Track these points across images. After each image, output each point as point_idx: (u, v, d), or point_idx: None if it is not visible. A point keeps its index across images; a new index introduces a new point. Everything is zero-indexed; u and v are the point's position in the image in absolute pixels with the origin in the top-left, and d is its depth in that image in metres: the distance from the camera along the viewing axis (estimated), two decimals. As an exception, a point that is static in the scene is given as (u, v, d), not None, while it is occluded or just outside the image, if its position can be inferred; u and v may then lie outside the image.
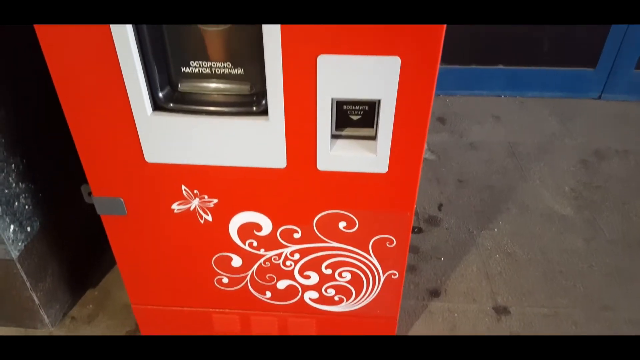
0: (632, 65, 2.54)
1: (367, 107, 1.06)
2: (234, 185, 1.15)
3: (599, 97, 2.70)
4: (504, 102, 2.74)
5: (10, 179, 1.28)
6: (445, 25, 0.90)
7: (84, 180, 1.17)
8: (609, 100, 2.69)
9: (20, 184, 1.31)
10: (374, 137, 1.08)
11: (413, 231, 1.89)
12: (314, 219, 1.20)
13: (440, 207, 2.04)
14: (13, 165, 1.28)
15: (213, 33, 1.02)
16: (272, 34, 0.92)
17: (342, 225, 1.20)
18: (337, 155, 1.08)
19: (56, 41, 0.94)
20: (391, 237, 1.22)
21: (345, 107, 1.07)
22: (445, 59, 0.95)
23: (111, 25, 0.91)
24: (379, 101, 1.00)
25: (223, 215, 1.21)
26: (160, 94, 1.04)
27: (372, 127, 1.08)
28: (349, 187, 1.13)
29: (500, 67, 2.68)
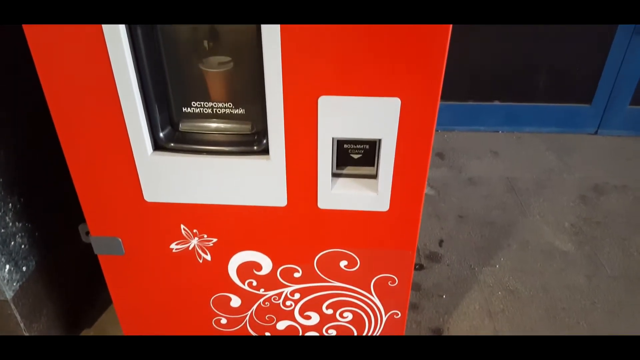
0: (626, 102, 2.58)
1: (367, 146, 1.07)
2: (234, 224, 1.14)
3: (596, 133, 2.73)
4: (502, 138, 2.76)
5: (7, 218, 1.26)
6: (444, 67, 0.91)
7: (81, 219, 1.16)
8: (606, 136, 2.72)
9: (17, 223, 1.30)
10: (374, 176, 1.08)
11: (414, 268, 1.87)
12: (314, 257, 1.18)
13: (441, 243, 2.03)
14: (10, 204, 1.27)
15: (215, 74, 1.04)
16: (273, 75, 0.93)
17: (343, 264, 1.19)
18: (338, 194, 1.08)
19: (58, 80, 0.95)
20: (393, 277, 1.20)
21: (345, 145, 1.07)
22: (443, 95, 0.96)
23: (113, 65, 0.92)
24: (380, 140, 1.01)
25: (222, 254, 1.19)
26: (161, 134, 1.04)
27: (373, 165, 1.08)
28: (350, 225, 1.12)
29: (497, 103, 2.72)
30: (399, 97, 0.94)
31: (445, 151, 2.64)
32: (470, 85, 2.65)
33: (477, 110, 2.74)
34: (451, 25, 0.86)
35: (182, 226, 1.15)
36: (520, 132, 2.78)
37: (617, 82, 2.52)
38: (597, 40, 2.44)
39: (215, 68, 1.03)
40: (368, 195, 1.07)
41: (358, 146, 1.07)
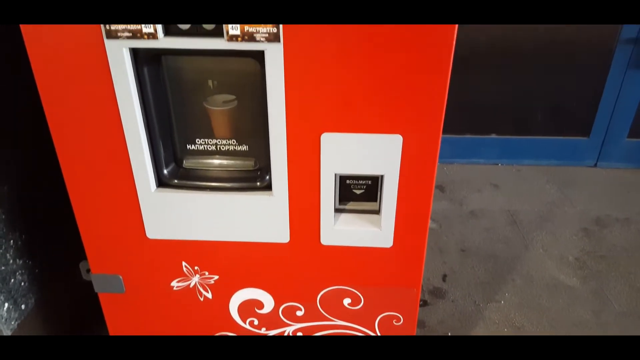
0: (624, 134, 2.60)
1: (370, 182, 1.07)
2: (236, 261, 1.13)
3: (595, 165, 2.74)
4: (501, 170, 2.77)
5: (8, 255, 1.25)
6: (445, 104, 0.93)
7: (81, 255, 1.15)
8: (605, 168, 2.73)
9: (17, 260, 1.29)
10: (377, 211, 1.07)
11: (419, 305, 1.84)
12: (317, 295, 1.17)
13: (444, 278, 2.00)
14: (12, 241, 1.26)
15: (219, 112, 1.05)
16: (277, 112, 0.94)
17: (346, 302, 1.17)
18: (341, 230, 1.07)
19: (64, 116, 0.97)
20: (398, 315, 1.18)
21: (348, 181, 1.08)
22: (441, 128, 0.97)
23: (119, 102, 0.93)
24: (382, 176, 1.01)
25: (224, 292, 1.17)
26: (165, 171, 1.05)
27: (376, 201, 1.08)
28: (354, 262, 1.11)
29: (494, 136, 2.74)
30: (401, 134, 0.95)
31: (445, 184, 2.65)
32: (467, 119, 2.68)
33: (476, 143, 2.76)
34: (451, 65, 0.88)
35: (184, 263, 1.14)
36: (520, 165, 2.79)
37: (614, 115, 2.55)
38: (592, 74, 2.49)
39: (220, 106, 1.04)
40: (371, 231, 1.06)
41: (360, 182, 1.07)
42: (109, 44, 0.87)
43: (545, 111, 2.64)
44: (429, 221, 1.07)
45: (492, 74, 2.55)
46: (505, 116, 2.68)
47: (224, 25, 0.85)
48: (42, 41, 0.88)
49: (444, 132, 0.95)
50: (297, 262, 1.12)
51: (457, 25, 0.85)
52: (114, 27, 0.85)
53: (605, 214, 2.38)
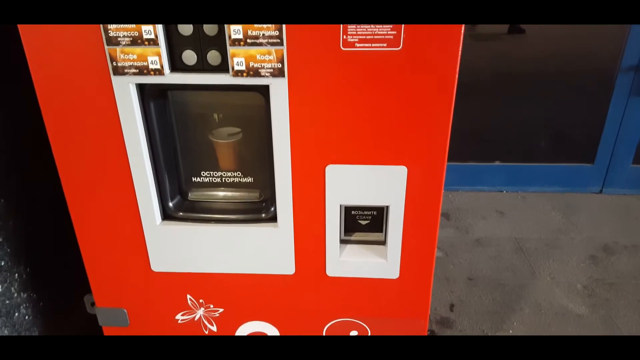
0: (629, 161, 2.60)
1: (375, 212, 1.07)
2: (241, 293, 1.12)
3: (600, 192, 2.73)
4: (506, 197, 2.76)
5: (12, 288, 1.25)
6: (449, 135, 0.93)
7: (86, 289, 1.14)
8: (611, 195, 2.72)
9: (22, 293, 1.28)
10: (383, 242, 1.07)
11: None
12: (323, 328, 1.15)
13: (452, 307, 1.97)
14: (16, 274, 1.26)
15: (224, 144, 1.06)
16: (282, 144, 0.95)
17: (353, 334, 1.15)
18: (347, 261, 1.06)
19: (69, 149, 0.98)
20: (405, 347, 1.16)
21: (353, 212, 1.07)
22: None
23: (125, 136, 0.94)
24: (387, 207, 1.01)
25: (228, 325, 1.16)
26: (170, 204, 1.05)
27: (382, 231, 1.08)
28: (360, 293, 1.10)
29: (498, 163, 2.74)
30: (406, 166, 0.95)
31: (450, 211, 2.63)
32: (471, 146, 2.69)
33: (480, 171, 2.76)
34: (454, 96, 0.89)
35: (189, 296, 1.13)
36: (525, 192, 2.78)
37: (618, 142, 2.55)
38: (595, 102, 2.50)
39: (225, 139, 1.05)
40: (377, 263, 1.06)
41: (366, 212, 1.07)
42: (116, 80, 0.89)
43: (549, 138, 2.65)
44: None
45: (494, 102, 2.57)
46: (509, 143, 2.69)
47: (229, 61, 0.87)
48: (50, 76, 0.90)
49: (449, 159, 0.96)
50: (303, 294, 1.11)
51: (459, 56, 0.86)
52: (120, 63, 0.87)
53: (612, 240, 2.35)
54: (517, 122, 2.63)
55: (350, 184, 0.98)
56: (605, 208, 2.62)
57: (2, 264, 1.21)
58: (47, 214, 1.36)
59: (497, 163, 2.74)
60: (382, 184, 0.97)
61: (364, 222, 1.08)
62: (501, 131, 2.66)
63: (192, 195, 1.09)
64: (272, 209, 1.04)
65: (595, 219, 2.53)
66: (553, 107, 2.54)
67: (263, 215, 1.06)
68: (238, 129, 1.04)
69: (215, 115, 1.05)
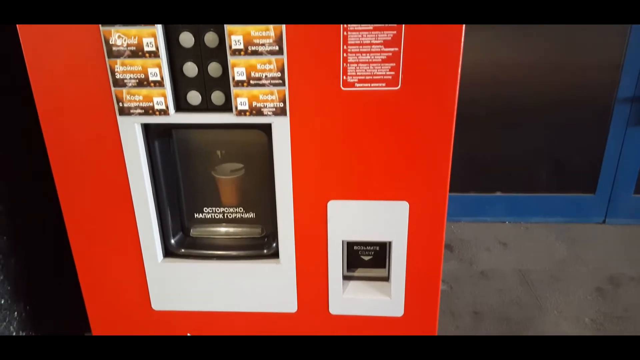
0: (630, 190, 2.60)
1: (378, 248, 1.07)
2: (242, 332, 1.10)
3: (603, 222, 2.71)
4: (509, 228, 2.75)
5: (11, 327, 1.23)
6: (450, 169, 0.94)
7: (86, 326, 1.12)
8: (614, 225, 2.70)
9: (20, 332, 1.26)
10: (387, 278, 1.06)
11: (430, 371, 1.76)
12: (326, 366, 1.12)
13: (456, 342, 1.93)
14: (16, 312, 1.24)
15: (227, 180, 1.07)
16: (284, 180, 0.95)
17: (357, 373, 1.13)
18: (350, 299, 1.05)
19: (73, 187, 0.98)
20: (410, 386, 1.13)
21: (356, 247, 1.07)
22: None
23: (130, 174, 0.95)
24: (390, 243, 1.01)
25: (230, 364, 1.14)
26: (172, 241, 1.05)
27: (385, 267, 1.07)
28: (364, 332, 1.08)
29: (499, 194, 2.74)
30: (407, 201, 0.95)
31: (453, 242, 2.62)
32: (471, 177, 2.70)
33: (482, 201, 2.76)
34: (453, 132, 0.90)
35: (189, 335, 1.11)
36: (527, 223, 2.77)
37: (618, 172, 2.56)
38: (594, 132, 2.52)
39: (228, 175, 1.06)
40: (381, 300, 1.04)
41: (368, 247, 1.07)
42: (122, 120, 0.90)
43: (550, 168, 2.65)
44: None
45: (493, 132, 2.59)
46: (509, 174, 2.70)
47: (233, 101, 0.88)
48: (57, 116, 0.92)
49: (450, 190, 0.96)
50: (306, 332, 1.09)
51: (457, 95, 0.87)
52: (126, 104, 0.89)
53: (618, 272, 2.33)
54: (516, 152, 2.64)
55: (352, 219, 0.98)
56: (609, 238, 2.60)
57: (2, 302, 1.20)
58: (49, 251, 1.35)
59: (498, 193, 2.74)
60: (384, 220, 0.97)
61: (366, 258, 1.08)
62: (500, 161, 2.67)
63: (194, 232, 1.09)
64: (274, 245, 1.04)
65: (599, 249, 2.51)
66: (552, 137, 2.56)
67: (265, 251, 1.05)
68: (240, 165, 1.05)
69: (218, 152, 1.06)
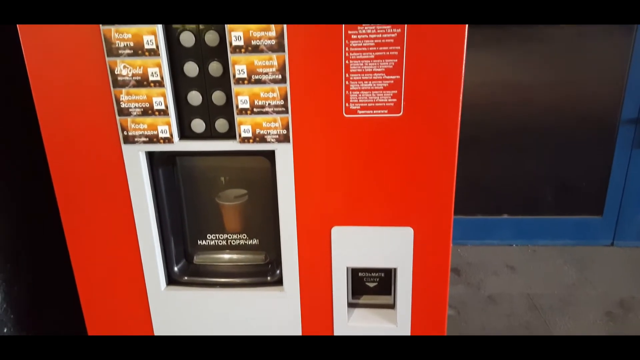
0: (638, 212, 2.58)
1: (383, 274, 1.05)
2: (247, 361, 1.09)
3: (612, 244, 2.68)
4: (516, 251, 2.72)
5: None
6: (454, 194, 0.93)
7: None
8: (623, 247, 2.67)
9: (21, 362, 1.25)
10: (392, 306, 1.05)
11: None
12: (332, 397, 1.10)
13: (465, 370, 1.89)
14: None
15: (230, 207, 1.07)
16: (287, 206, 0.95)
17: (363, 403, 1.10)
18: (355, 327, 1.04)
19: (77, 215, 0.99)
20: (418, 417, 1.10)
21: (360, 274, 1.06)
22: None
23: (134, 202, 0.96)
24: (395, 269, 1.00)
25: (234, 394, 1.11)
26: (176, 268, 1.05)
27: (390, 294, 1.06)
28: (369, 360, 1.06)
29: (506, 216, 2.72)
30: (412, 227, 0.95)
31: (460, 266, 2.59)
32: (477, 199, 2.69)
33: (489, 224, 2.74)
34: (457, 156, 0.90)
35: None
36: (535, 245, 2.74)
37: (625, 193, 2.54)
38: (599, 154, 2.52)
39: (231, 201, 1.06)
40: (387, 328, 1.03)
41: (373, 274, 1.06)
42: (126, 148, 0.91)
43: (556, 191, 2.64)
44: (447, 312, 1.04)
45: (498, 154, 2.59)
46: (516, 196, 2.69)
47: (236, 129, 0.89)
48: (62, 144, 0.93)
49: (455, 212, 0.95)
50: (310, 360, 1.07)
51: (459, 119, 0.88)
52: (131, 132, 0.90)
53: (628, 295, 2.28)
54: (521, 174, 2.63)
55: (357, 245, 0.97)
56: (618, 261, 2.57)
57: (5, 330, 1.19)
58: (52, 278, 1.35)
59: (504, 216, 2.72)
60: (389, 246, 0.97)
61: (371, 285, 1.06)
62: (505, 183, 2.66)
63: (198, 259, 1.08)
64: (278, 272, 1.03)
65: (608, 272, 2.48)
66: (558, 159, 2.56)
67: (268, 278, 1.04)
68: (244, 191, 1.05)
69: (222, 178, 1.06)
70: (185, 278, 1.05)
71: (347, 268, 1.00)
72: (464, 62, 0.84)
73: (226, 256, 1.09)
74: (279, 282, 1.03)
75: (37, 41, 0.86)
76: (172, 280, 1.05)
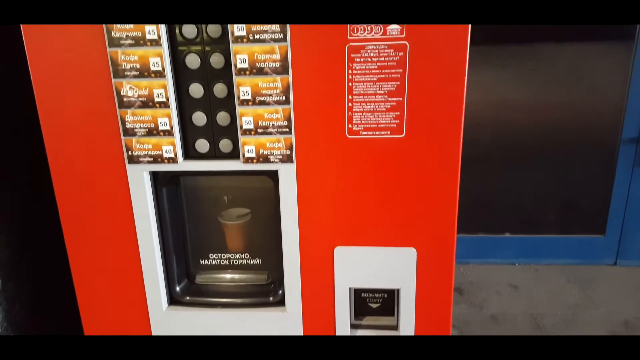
0: (640, 232, 2.57)
1: (386, 295, 1.05)
2: (248, 382, 1.07)
3: (615, 263, 2.67)
4: (519, 270, 2.70)
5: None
6: (457, 215, 0.93)
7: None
8: (626, 267, 2.65)
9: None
10: (395, 327, 1.04)
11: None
12: (334, 420, 1.08)
13: (469, 391, 1.86)
14: (17, 361, 1.22)
15: (233, 226, 1.07)
16: (290, 226, 0.95)
17: None
18: (358, 348, 1.03)
19: (80, 236, 0.99)
20: None
21: (363, 294, 1.05)
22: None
23: (137, 223, 0.96)
24: (398, 290, 0.99)
25: (234, 417, 1.10)
26: (178, 288, 1.04)
27: (393, 315, 1.05)
28: (372, 382, 1.05)
29: (508, 235, 2.72)
30: (415, 247, 0.95)
31: (463, 285, 2.57)
32: (479, 218, 2.68)
33: (491, 243, 2.73)
34: (459, 178, 0.91)
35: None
36: (537, 264, 2.73)
37: (627, 212, 2.54)
38: (600, 173, 2.52)
39: (234, 220, 1.06)
40: (389, 349, 1.02)
41: (376, 295, 1.05)
42: (130, 168, 0.92)
43: (558, 209, 2.64)
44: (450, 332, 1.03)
45: (500, 173, 2.60)
46: (518, 215, 2.68)
47: (240, 149, 0.90)
48: (67, 163, 0.93)
49: (458, 231, 0.95)
50: (312, 382, 1.06)
51: (461, 137, 0.88)
52: (136, 152, 0.90)
53: (633, 316, 2.26)
54: (524, 192, 2.63)
55: (360, 266, 0.97)
56: (622, 281, 2.55)
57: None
58: (53, 298, 1.34)
59: (507, 235, 2.71)
60: (392, 266, 0.96)
61: (374, 305, 1.06)
62: (508, 202, 2.66)
63: (200, 279, 1.08)
64: (280, 292, 1.03)
65: (612, 292, 2.46)
66: (559, 177, 2.56)
67: (271, 298, 1.04)
68: (247, 210, 1.05)
69: (225, 198, 1.06)
70: (187, 298, 1.05)
71: (350, 289, 1.00)
72: (465, 84, 0.85)
73: (228, 276, 1.08)
74: (281, 302, 1.02)
75: (45, 63, 0.87)
76: (174, 300, 1.04)
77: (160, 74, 0.85)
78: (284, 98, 0.86)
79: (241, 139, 0.89)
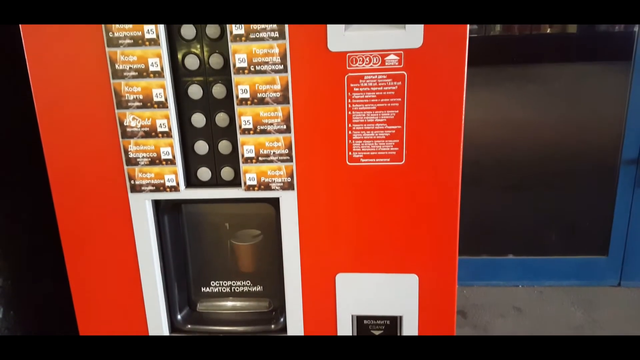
0: (643, 252, 2.55)
1: (388, 322, 1.04)
2: (250, 412, 1.06)
3: (619, 284, 2.64)
4: (523, 292, 2.68)
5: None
6: (458, 241, 0.94)
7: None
8: (630, 288, 2.63)
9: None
10: (398, 354, 1.03)
11: None
12: None
13: (474, 418, 1.83)
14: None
15: (242, 247, 1.07)
16: (292, 254, 0.95)
17: None
18: (361, 376, 1.02)
19: (82, 262, 0.99)
20: None
21: (366, 321, 1.05)
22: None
23: (139, 251, 0.96)
24: (401, 317, 0.99)
25: None
26: (179, 316, 1.04)
27: (395, 342, 1.04)
28: (375, 411, 1.03)
29: (511, 257, 2.70)
30: (416, 274, 0.94)
31: (466, 308, 2.54)
32: (481, 240, 2.67)
33: (494, 264, 2.72)
34: (459, 203, 0.91)
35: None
36: (541, 286, 2.70)
37: (630, 233, 2.53)
38: (601, 194, 2.52)
39: (245, 242, 1.06)
40: (393, 378, 1.01)
41: (379, 322, 1.04)
42: (133, 197, 0.92)
43: (560, 231, 2.63)
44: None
45: (502, 195, 2.60)
46: (520, 237, 2.68)
47: (241, 177, 0.90)
48: (69, 192, 0.94)
49: (460, 253, 0.95)
50: (315, 412, 1.04)
51: (460, 163, 0.89)
52: (138, 181, 0.91)
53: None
54: (526, 215, 2.63)
55: (361, 293, 0.97)
56: (626, 302, 2.53)
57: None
58: (54, 325, 1.34)
59: (510, 256, 2.70)
60: (394, 293, 0.96)
61: (377, 332, 1.05)
62: (510, 223, 2.66)
63: (201, 307, 1.07)
64: (282, 319, 1.02)
65: (617, 314, 2.43)
66: (560, 199, 2.56)
67: (272, 326, 1.03)
68: (257, 232, 1.05)
69: (227, 224, 1.07)
70: (189, 326, 1.04)
71: (352, 316, 0.99)
72: (463, 111, 0.86)
73: (229, 304, 1.08)
74: (283, 330, 1.02)
75: (49, 93, 0.89)
76: (175, 328, 1.04)
77: (163, 105, 0.87)
78: (284, 127, 0.87)
79: (243, 167, 0.90)
